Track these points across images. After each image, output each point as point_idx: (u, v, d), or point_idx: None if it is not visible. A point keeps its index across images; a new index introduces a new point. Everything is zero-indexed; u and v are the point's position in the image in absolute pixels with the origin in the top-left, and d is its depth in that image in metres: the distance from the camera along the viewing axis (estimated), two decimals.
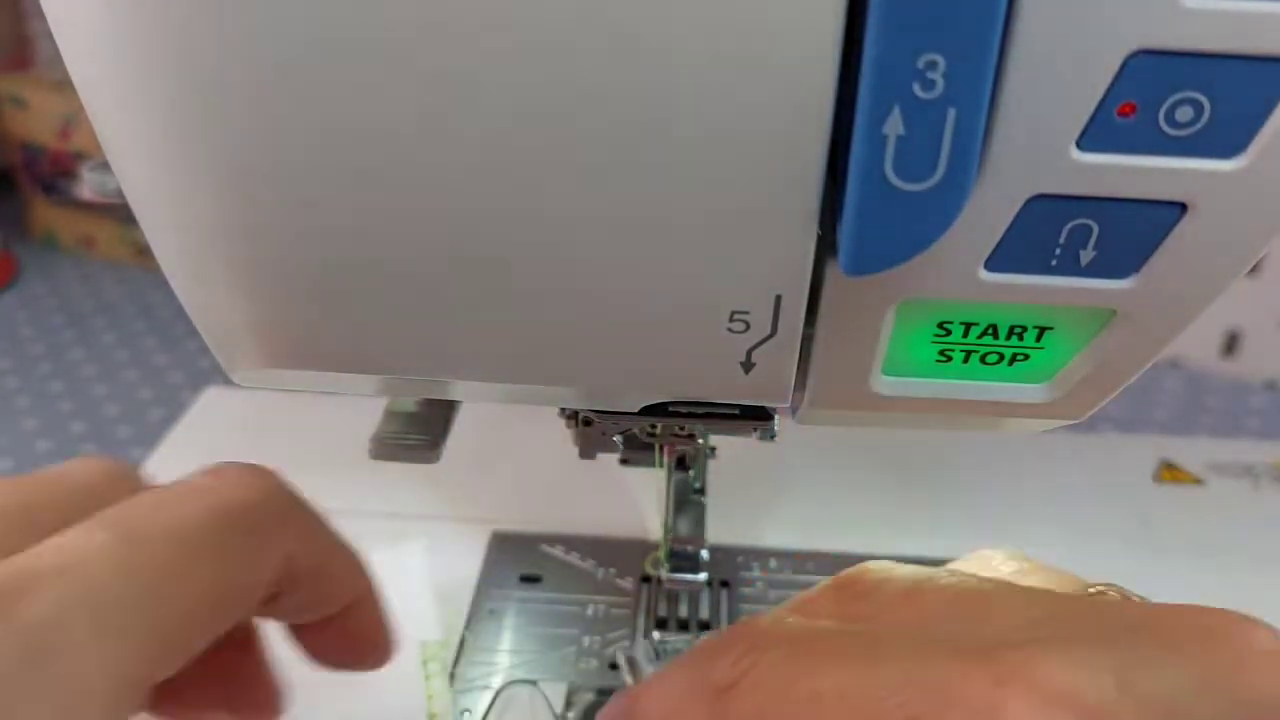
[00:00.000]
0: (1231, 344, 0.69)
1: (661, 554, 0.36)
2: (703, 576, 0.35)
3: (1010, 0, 0.14)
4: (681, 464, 0.33)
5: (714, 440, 0.33)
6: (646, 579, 0.39)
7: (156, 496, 0.18)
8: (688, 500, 0.34)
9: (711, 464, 0.35)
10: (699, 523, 0.35)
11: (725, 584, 0.39)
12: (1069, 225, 0.17)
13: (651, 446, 0.32)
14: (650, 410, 0.22)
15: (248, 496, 0.18)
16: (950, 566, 0.21)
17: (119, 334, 0.75)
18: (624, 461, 0.32)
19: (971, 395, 0.21)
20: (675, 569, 0.35)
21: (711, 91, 0.15)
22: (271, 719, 0.22)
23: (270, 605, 0.20)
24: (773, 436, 0.25)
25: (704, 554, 0.35)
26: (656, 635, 0.36)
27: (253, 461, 0.20)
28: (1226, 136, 0.15)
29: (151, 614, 0.16)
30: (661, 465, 0.33)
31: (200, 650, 0.17)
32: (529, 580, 0.39)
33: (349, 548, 0.21)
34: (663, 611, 0.37)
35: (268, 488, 0.19)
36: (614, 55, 0.15)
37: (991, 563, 0.21)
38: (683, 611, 0.37)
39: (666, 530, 0.35)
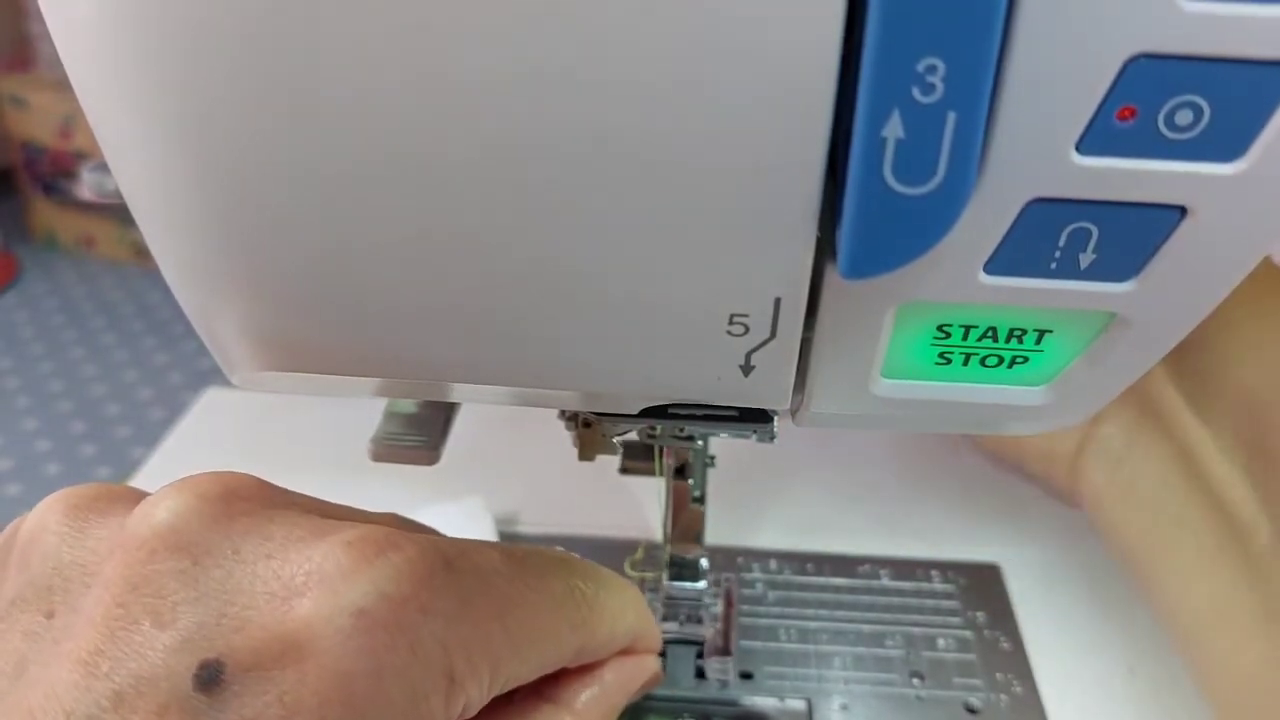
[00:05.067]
0: None
1: (663, 557, 0.36)
2: (703, 584, 0.35)
3: (1010, 4, 0.14)
4: (681, 473, 0.33)
5: (713, 441, 0.33)
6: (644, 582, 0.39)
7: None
8: (687, 509, 0.34)
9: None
10: (698, 531, 0.35)
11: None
12: (1069, 228, 0.17)
13: (651, 453, 0.32)
14: (650, 412, 0.22)
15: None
16: None
17: (119, 334, 0.75)
18: (624, 471, 0.32)
19: (971, 398, 0.21)
20: (675, 577, 0.35)
21: (710, 94, 0.15)
22: None
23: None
24: (772, 439, 0.25)
25: (704, 562, 0.35)
26: None
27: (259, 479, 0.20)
28: (1226, 140, 0.15)
29: None
30: (661, 472, 0.33)
31: None
32: None
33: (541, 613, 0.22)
34: (661, 614, 0.37)
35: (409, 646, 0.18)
36: (612, 56, 0.15)
37: None
38: (682, 617, 0.37)
39: (665, 537, 0.35)
